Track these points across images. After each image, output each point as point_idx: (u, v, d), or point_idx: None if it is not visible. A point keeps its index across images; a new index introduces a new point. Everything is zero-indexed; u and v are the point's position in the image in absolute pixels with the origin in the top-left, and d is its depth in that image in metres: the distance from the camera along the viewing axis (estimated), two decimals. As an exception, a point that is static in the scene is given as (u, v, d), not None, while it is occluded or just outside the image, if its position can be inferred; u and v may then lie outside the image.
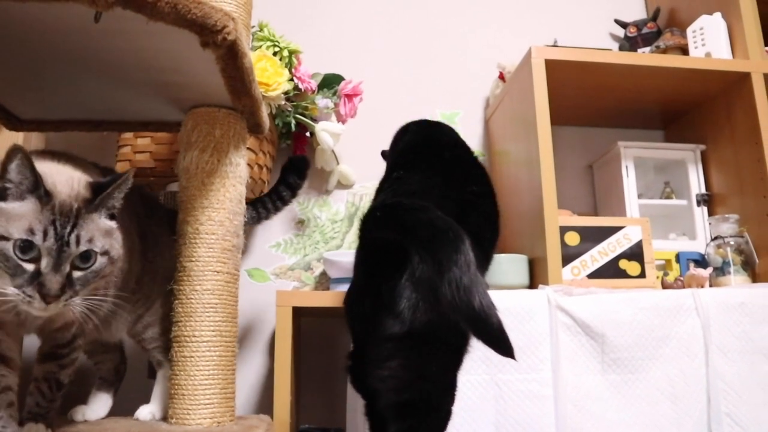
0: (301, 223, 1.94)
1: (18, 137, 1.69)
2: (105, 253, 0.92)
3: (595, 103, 1.99)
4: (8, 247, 0.83)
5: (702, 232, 1.86)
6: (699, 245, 1.83)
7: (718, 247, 1.73)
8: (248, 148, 1.44)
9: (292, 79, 1.66)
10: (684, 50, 1.96)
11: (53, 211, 0.87)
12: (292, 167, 1.52)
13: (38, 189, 0.87)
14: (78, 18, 0.93)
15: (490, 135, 2.09)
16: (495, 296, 1.35)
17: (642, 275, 1.58)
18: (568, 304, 1.38)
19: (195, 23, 0.94)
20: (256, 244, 1.90)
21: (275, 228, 1.92)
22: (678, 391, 1.37)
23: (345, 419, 1.33)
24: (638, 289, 1.50)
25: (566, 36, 2.09)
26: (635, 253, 1.60)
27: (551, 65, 1.65)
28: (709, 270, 1.63)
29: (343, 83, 1.81)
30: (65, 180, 0.93)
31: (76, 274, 0.88)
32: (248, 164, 1.33)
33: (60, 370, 1.04)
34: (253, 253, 1.89)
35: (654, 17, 2.16)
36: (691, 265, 1.73)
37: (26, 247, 0.83)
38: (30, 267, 0.84)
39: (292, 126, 1.71)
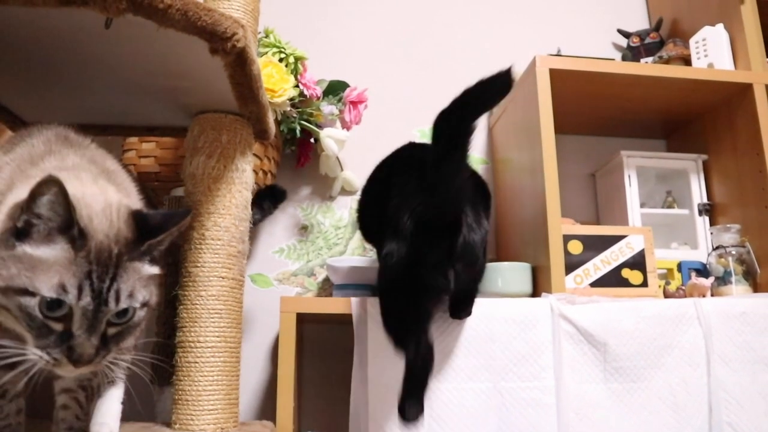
0: (304, 229, 1.95)
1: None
2: (144, 304, 0.79)
3: (598, 112, 2.00)
4: (33, 304, 0.69)
5: (703, 241, 1.86)
6: (701, 255, 1.84)
7: (720, 256, 1.74)
8: (253, 154, 1.44)
9: (297, 86, 1.67)
10: (686, 61, 1.97)
11: (89, 258, 0.72)
12: (270, 194, 1.57)
13: (71, 229, 0.72)
14: (88, 23, 0.94)
15: (493, 142, 2.10)
16: (498, 304, 1.37)
17: (644, 284, 1.59)
18: (570, 313, 1.38)
19: (205, 30, 0.95)
20: (260, 250, 1.91)
21: (279, 233, 1.92)
22: (680, 400, 1.37)
23: (347, 426, 1.33)
24: (640, 298, 1.50)
25: (569, 45, 2.10)
26: (637, 262, 1.60)
27: (555, 74, 1.66)
28: (711, 279, 1.63)
29: (348, 90, 1.81)
30: (101, 209, 0.77)
31: (111, 331, 0.75)
32: (253, 170, 1.34)
33: (95, 376, 0.95)
34: (256, 258, 1.90)
35: (657, 27, 2.17)
36: (693, 274, 1.74)
37: (55, 304, 0.69)
38: (58, 327, 0.70)
39: (297, 132, 1.72)
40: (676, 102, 1.91)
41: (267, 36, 1.71)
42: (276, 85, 1.57)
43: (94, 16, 0.90)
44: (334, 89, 1.82)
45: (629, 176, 1.87)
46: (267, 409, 1.74)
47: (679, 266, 1.77)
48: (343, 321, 1.40)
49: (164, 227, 0.82)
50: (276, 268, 1.90)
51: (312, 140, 1.85)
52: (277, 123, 1.69)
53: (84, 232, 0.72)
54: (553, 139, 1.60)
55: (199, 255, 1.18)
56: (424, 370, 1.18)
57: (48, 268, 0.70)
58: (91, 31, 0.98)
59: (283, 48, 1.68)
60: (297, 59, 1.68)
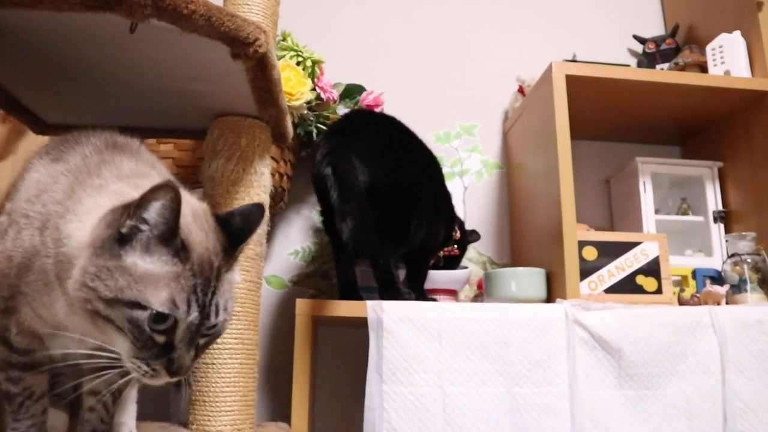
0: (319, 232, 1.96)
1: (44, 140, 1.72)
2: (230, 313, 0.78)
3: (613, 118, 2.00)
4: (143, 318, 0.68)
5: (718, 249, 1.86)
6: (715, 262, 1.83)
7: (735, 264, 1.73)
8: (271, 157, 1.46)
9: (314, 89, 1.68)
10: (703, 68, 1.96)
11: (193, 270, 0.71)
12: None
13: (174, 239, 0.70)
14: (113, 28, 0.95)
15: (508, 148, 2.10)
16: (513, 309, 1.37)
17: (659, 291, 1.59)
18: (585, 319, 1.38)
19: (227, 36, 0.96)
20: (275, 252, 1.92)
21: (294, 236, 1.93)
22: (694, 409, 1.37)
23: (362, 429, 1.33)
24: (655, 305, 1.50)
25: (585, 50, 2.10)
26: (652, 269, 1.60)
27: (571, 80, 1.66)
28: (726, 287, 1.63)
29: (364, 94, 1.82)
30: (192, 218, 0.76)
31: (202, 341, 0.75)
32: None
33: (120, 377, 0.95)
34: (271, 260, 1.91)
35: (672, 33, 2.17)
36: (708, 281, 1.73)
37: (163, 318, 0.68)
38: (161, 339, 0.70)
39: (314, 135, 1.73)
40: (691, 109, 1.91)
41: (284, 39, 1.72)
42: (293, 88, 1.58)
43: (119, 21, 0.91)
44: (351, 93, 1.83)
45: (644, 183, 1.87)
46: (281, 411, 1.75)
47: (694, 273, 1.77)
48: (357, 324, 1.41)
49: (248, 229, 0.81)
50: (291, 270, 1.92)
51: (327, 143, 1.86)
52: (294, 126, 1.70)
53: (185, 243, 0.71)
54: (568, 144, 1.60)
55: (217, 257, 1.18)
56: None
57: (157, 281, 0.68)
58: (114, 35, 0.99)
59: (300, 51, 1.69)
60: (314, 63, 1.70)
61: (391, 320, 1.32)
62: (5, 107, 1.34)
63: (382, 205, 1.38)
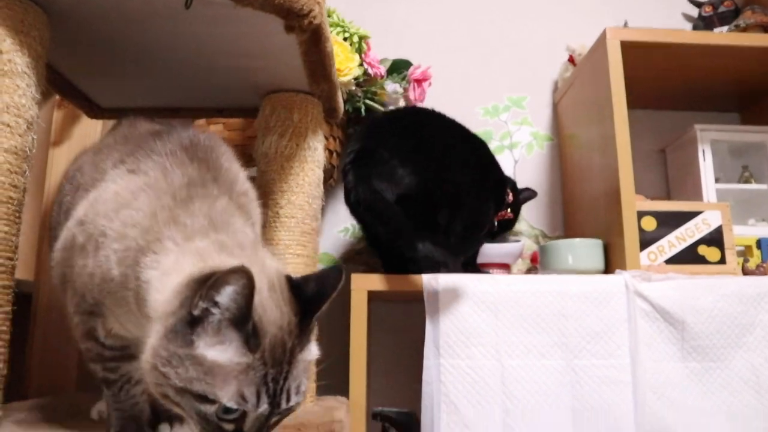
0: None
1: (97, 123, 1.75)
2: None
3: (668, 85, 1.93)
4: (211, 411, 0.66)
5: (783, 217, 1.79)
6: (780, 231, 1.76)
7: (802, 233, 1.67)
8: (321, 134, 1.45)
9: (361, 65, 1.67)
10: (766, 28, 1.87)
11: (264, 359, 0.67)
12: None
13: (245, 324, 0.67)
14: (168, 4, 0.96)
15: (559, 119, 2.05)
16: (571, 280, 1.35)
17: (722, 261, 1.53)
18: (646, 290, 1.35)
19: (282, 8, 0.95)
20: (325, 229, 1.92)
21: (343, 213, 1.92)
22: (762, 381, 1.32)
23: (415, 403, 1.33)
24: (718, 276, 1.45)
25: (636, 17, 2.03)
26: (714, 239, 1.55)
27: (626, 46, 1.60)
28: (793, 256, 1.57)
29: (412, 68, 1.80)
30: (268, 293, 0.72)
31: (273, 420, 0.71)
32: (322, 149, 1.35)
33: None
34: (321, 237, 1.91)
35: (731, -5, 2.08)
36: (773, 251, 1.67)
37: (231, 411, 0.66)
38: (229, 427, 0.68)
39: (362, 111, 1.72)
40: (753, 73, 1.83)
41: (330, 16, 1.71)
42: (341, 64, 1.57)
43: (173, -2, 0.91)
44: (398, 67, 1.81)
45: (703, 150, 1.80)
46: (338, 386, 1.76)
47: (758, 243, 1.70)
48: (410, 298, 1.40)
49: (323, 294, 0.75)
50: (341, 247, 1.92)
51: (375, 120, 1.85)
52: (342, 102, 1.69)
53: (257, 327, 0.68)
54: (625, 113, 1.56)
55: (273, 233, 1.19)
56: None
57: (226, 373, 0.66)
58: (169, 11, 0.99)
59: (346, 27, 1.67)
60: (361, 38, 1.68)
61: (447, 293, 1.31)
62: (61, 92, 1.37)
63: (415, 212, 1.36)
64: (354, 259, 1.91)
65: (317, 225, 1.25)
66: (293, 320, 0.72)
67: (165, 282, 0.73)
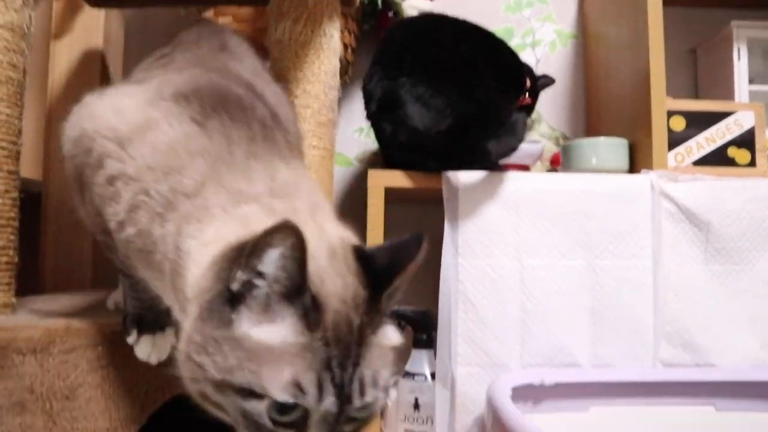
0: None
1: (99, 15, 1.67)
2: (392, 386, 0.58)
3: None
4: (260, 410, 0.52)
5: (817, 121, 1.71)
6: (813, 135, 1.69)
7: (836, 136, 1.59)
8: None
9: (380, -48, 1.56)
10: None
11: (326, 337, 0.54)
12: None
13: (301, 295, 0.54)
14: None
15: (585, 16, 1.94)
16: (595, 179, 1.30)
17: (752, 164, 1.48)
18: (673, 191, 1.30)
19: None
20: (339, 129, 1.86)
21: (358, 112, 1.85)
22: (787, 285, 1.30)
23: (434, 302, 1.31)
24: (747, 178, 1.40)
25: None
26: (746, 141, 1.49)
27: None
28: (826, 161, 1.51)
29: (430, -42, 1.69)
30: (327, 261, 0.58)
31: (349, 428, 0.56)
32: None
33: None
34: (335, 137, 1.86)
35: None
36: (805, 155, 1.61)
37: (286, 408, 0.52)
38: None
39: (379, 3, 1.63)
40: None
41: None
42: (358, -52, 1.47)
43: None
44: (417, -43, 1.70)
45: (738, 49, 1.70)
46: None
47: (790, 146, 1.64)
48: (426, 199, 1.35)
49: (397, 265, 0.60)
50: (356, 147, 1.87)
51: (390, 13, 1.75)
52: (358, -7, 1.60)
53: (317, 300, 0.54)
54: (660, 9, 1.45)
55: (288, 124, 1.14)
56: None
57: (276, 357, 0.52)
58: None
59: None
60: None
61: (468, 191, 1.27)
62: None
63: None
64: (369, 159, 1.86)
65: (334, 116, 1.19)
66: (361, 293, 0.58)
67: (204, 253, 0.61)
